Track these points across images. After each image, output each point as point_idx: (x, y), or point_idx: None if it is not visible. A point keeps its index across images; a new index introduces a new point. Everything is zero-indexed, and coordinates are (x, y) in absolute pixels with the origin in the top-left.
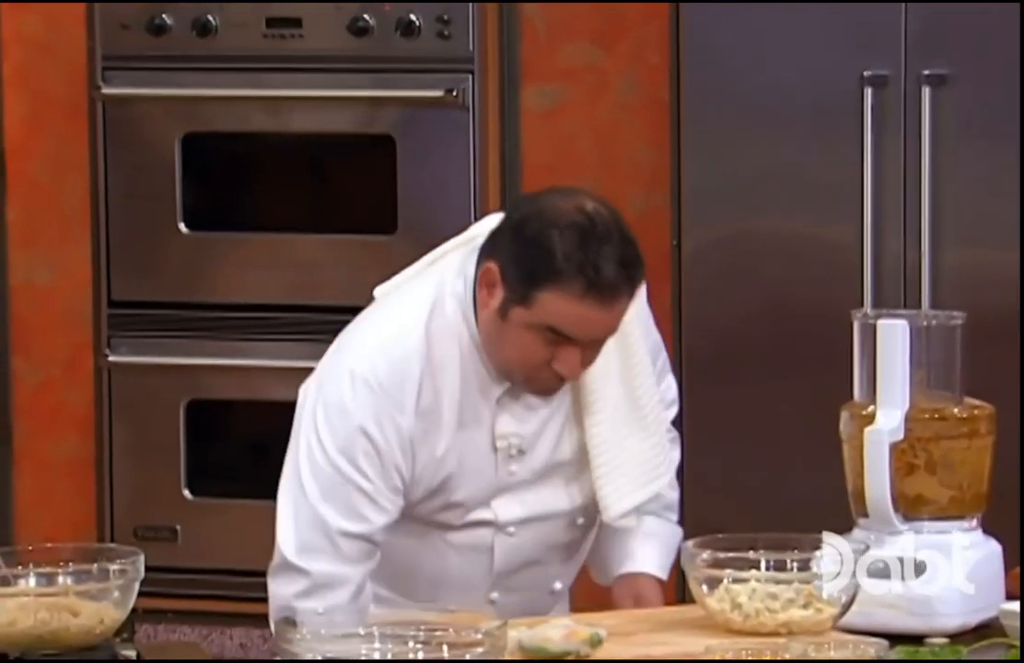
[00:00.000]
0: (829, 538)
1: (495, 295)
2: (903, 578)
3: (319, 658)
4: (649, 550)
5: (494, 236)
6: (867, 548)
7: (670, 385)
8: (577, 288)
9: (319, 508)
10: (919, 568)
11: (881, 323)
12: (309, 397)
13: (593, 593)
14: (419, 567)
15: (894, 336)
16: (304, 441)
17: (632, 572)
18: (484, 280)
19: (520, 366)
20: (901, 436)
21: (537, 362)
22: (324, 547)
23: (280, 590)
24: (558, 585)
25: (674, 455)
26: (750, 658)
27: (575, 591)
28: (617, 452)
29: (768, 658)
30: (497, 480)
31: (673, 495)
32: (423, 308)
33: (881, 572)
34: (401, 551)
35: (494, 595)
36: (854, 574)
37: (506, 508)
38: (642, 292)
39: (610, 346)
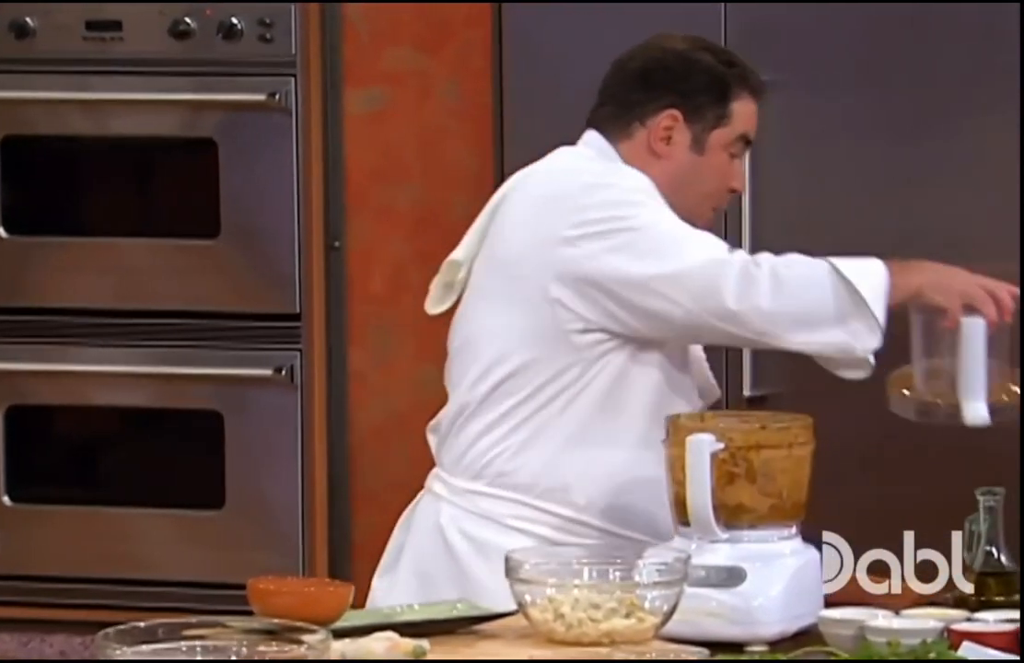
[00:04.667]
0: (650, 548)
1: (678, 140)
2: (723, 586)
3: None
4: None
5: (644, 100)
6: (688, 557)
7: None
8: (750, 87)
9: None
10: (739, 576)
11: None
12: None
13: None
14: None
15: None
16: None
17: None
18: (664, 130)
19: (717, 193)
20: (722, 445)
21: (728, 185)
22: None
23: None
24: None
25: None
26: None
27: None
28: None
29: None
30: None
31: None
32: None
33: (702, 581)
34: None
35: None
36: (675, 583)
37: None
38: None
39: None
